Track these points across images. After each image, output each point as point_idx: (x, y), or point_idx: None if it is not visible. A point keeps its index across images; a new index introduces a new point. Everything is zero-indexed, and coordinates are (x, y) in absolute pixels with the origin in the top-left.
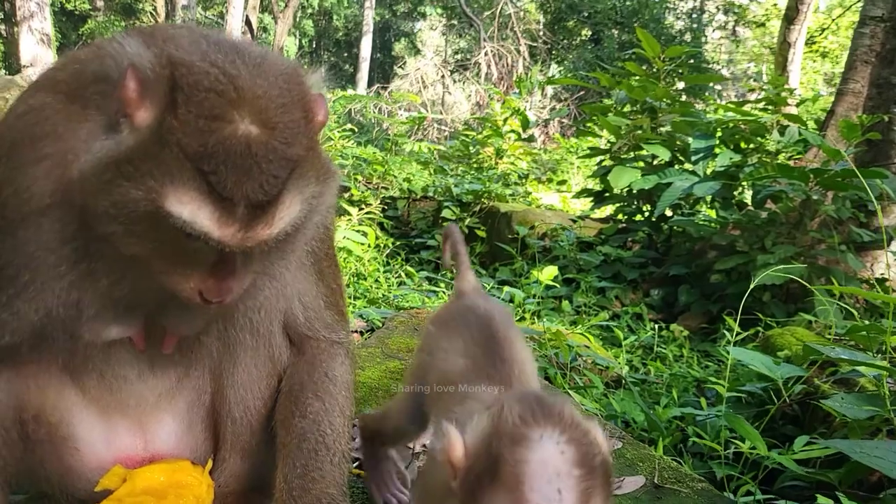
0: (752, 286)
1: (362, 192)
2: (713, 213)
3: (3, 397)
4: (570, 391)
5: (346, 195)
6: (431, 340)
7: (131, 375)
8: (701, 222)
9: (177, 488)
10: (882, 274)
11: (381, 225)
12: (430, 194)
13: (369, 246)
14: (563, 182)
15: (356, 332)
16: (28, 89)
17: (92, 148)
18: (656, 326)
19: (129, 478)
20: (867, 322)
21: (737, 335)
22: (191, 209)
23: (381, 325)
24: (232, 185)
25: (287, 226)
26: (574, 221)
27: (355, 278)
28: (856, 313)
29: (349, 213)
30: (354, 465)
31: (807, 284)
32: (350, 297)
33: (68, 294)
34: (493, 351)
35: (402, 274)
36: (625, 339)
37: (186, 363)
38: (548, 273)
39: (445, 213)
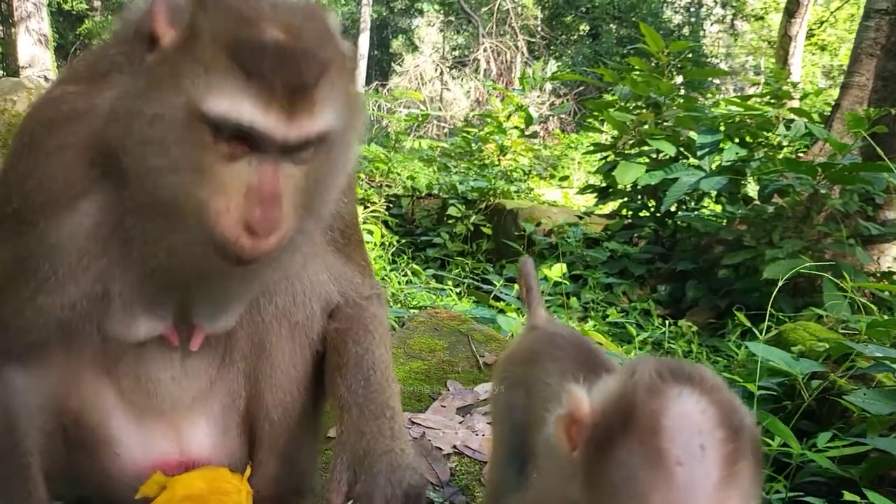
0: (779, 282)
1: (366, 191)
2: (719, 209)
3: (43, 402)
4: None
5: None
6: (522, 380)
7: (165, 377)
8: (707, 217)
9: (217, 495)
10: (889, 267)
11: (385, 223)
12: (435, 192)
13: (375, 244)
14: (564, 178)
15: None
16: (50, 85)
17: (118, 91)
18: (665, 322)
19: (169, 485)
20: (885, 317)
21: (747, 330)
22: (231, 99)
23: (395, 322)
24: (269, 70)
25: (327, 126)
26: (580, 218)
27: None
28: (874, 308)
29: None
30: None
31: (826, 275)
32: None
33: (93, 286)
34: (594, 364)
35: (409, 272)
36: (636, 335)
37: (219, 363)
38: (556, 270)
39: (451, 211)
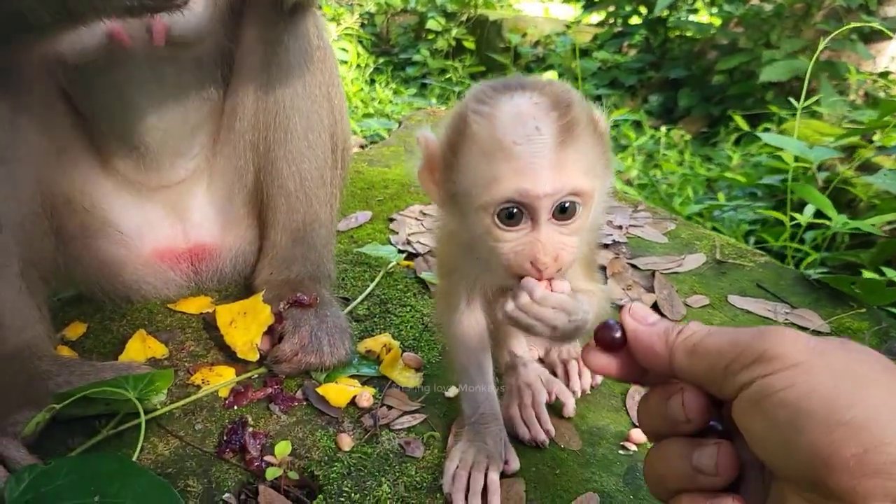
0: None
1: (335, 9)
2: (710, 18)
3: (27, 181)
4: None
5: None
6: None
7: (153, 140)
8: (700, 21)
9: None
10: (886, 67)
11: (360, 42)
12: (412, 5)
13: (350, 65)
14: None
15: (361, 146)
16: None
17: None
18: (663, 129)
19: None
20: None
21: (741, 136)
22: None
23: (386, 135)
24: None
25: None
26: (568, 27)
27: None
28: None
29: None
30: (403, 255)
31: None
32: None
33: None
34: None
35: (390, 92)
36: (630, 143)
37: (217, 130)
38: None
39: (430, 25)
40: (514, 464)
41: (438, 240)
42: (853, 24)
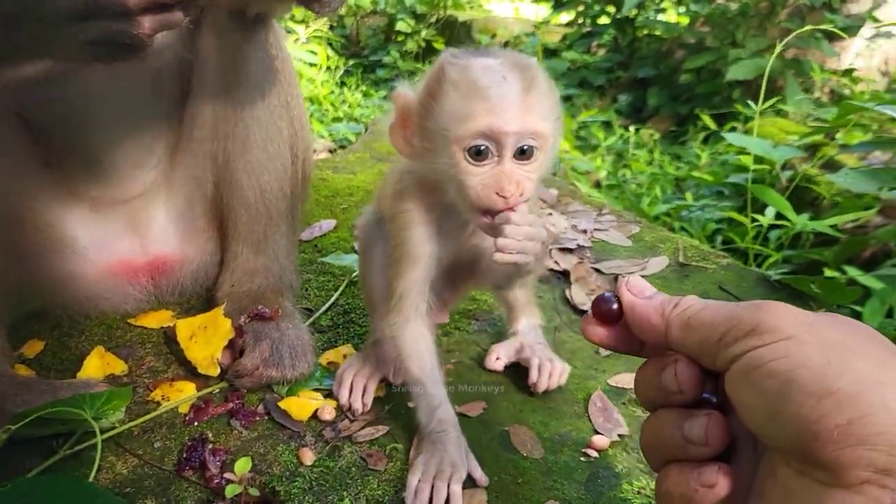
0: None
1: (305, 11)
2: (677, 17)
3: None
4: None
5: (287, 15)
6: None
7: (112, 156)
8: (668, 21)
9: None
10: (850, 64)
11: (329, 44)
12: (381, 7)
13: (321, 67)
14: None
15: (330, 151)
16: None
17: None
18: (632, 129)
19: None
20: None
21: (709, 135)
22: None
23: (352, 136)
24: None
25: None
26: (537, 27)
27: (308, 102)
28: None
29: (295, 33)
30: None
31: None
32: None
33: None
34: None
35: (359, 95)
36: (600, 143)
37: (175, 140)
38: None
39: (400, 26)
40: (480, 476)
41: (399, 228)
42: (812, 27)
